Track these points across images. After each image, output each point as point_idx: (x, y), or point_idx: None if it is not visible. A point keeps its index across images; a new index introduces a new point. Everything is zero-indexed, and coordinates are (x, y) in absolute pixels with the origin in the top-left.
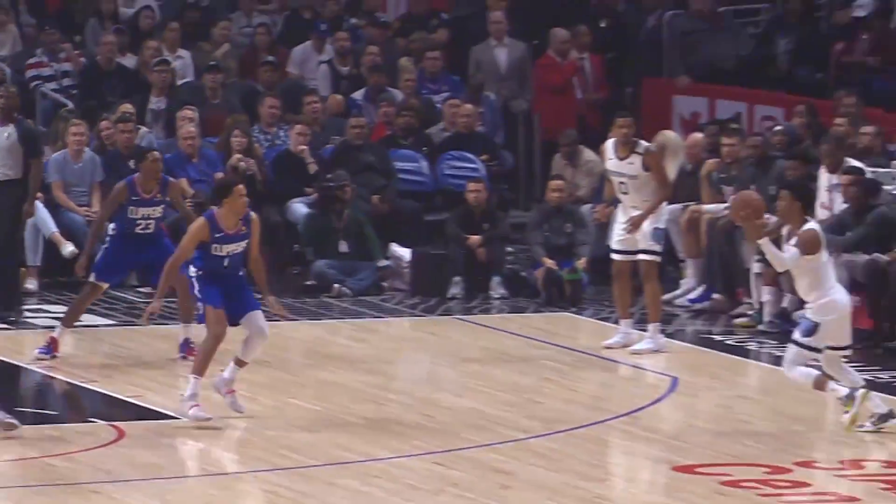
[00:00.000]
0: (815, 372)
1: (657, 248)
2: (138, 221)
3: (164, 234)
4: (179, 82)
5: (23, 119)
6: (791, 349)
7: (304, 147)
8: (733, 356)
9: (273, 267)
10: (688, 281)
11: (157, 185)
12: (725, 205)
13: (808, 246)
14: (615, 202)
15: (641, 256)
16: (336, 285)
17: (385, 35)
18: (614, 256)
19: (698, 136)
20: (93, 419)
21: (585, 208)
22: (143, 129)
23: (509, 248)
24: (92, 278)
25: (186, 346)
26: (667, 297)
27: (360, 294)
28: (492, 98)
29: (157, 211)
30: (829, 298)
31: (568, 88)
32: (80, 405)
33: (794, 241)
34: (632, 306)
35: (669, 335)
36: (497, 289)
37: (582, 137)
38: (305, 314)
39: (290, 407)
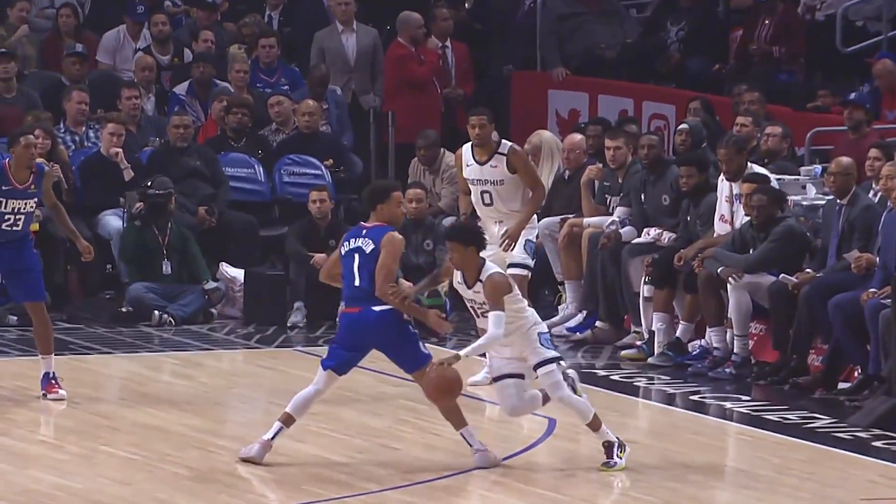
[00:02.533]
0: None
1: (528, 261)
2: (7, 216)
3: (30, 238)
4: None
5: None
6: (556, 372)
7: (118, 150)
8: (619, 394)
9: (82, 291)
10: (566, 306)
11: (32, 175)
12: (610, 219)
13: (499, 294)
14: (474, 217)
15: (511, 271)
16: (156, 312)
17: (212, 18)
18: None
19: (578, 136)
20: None
21: (448, 221)
22: None
23: None
24: None
25: (47, 381)
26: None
27: (185, 322)
28: (338, 93)
29: (30, 205)
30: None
31: (430, 83)
32: None
33: (477, 290)
34: None
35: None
36: None
37: (444, 139)
38: (120, 346)
39: (101, 455)
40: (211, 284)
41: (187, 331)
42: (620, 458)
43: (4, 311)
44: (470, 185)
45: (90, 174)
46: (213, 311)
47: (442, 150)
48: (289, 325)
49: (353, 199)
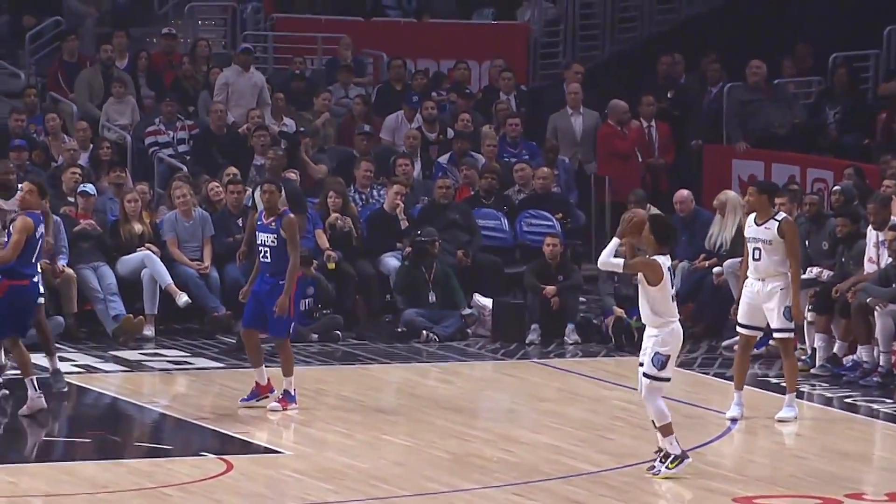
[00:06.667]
0: (669, 415)
1: (789, 325)
2: (261, 248)
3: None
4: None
5: (289, 179)
6: (645, 382)
7: (401, 205)
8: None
9: (367, 315)
10: None
11: (276, 217)
12: None
13: (649, 272)
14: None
15: (777, 335)
16: (424, 332)
17: (469, 104)
18: (742, 331)
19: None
20: (204, 453)
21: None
22: (249, 190)
23: (582, 298)
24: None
25: (285, 396)
26: (726, 342)
27: (447, 340)
28: (566, 161)
29: (270, 239)
30: (672, 328)
31: (632, 154)
32: (192, 440)
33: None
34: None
35: (728, 378)
36: (571, 335)
37: (649, 198)
38: (397, 358)
39: (383, 442)
40: (467, 310)
41: (448, 346)
42: (669, 469)
43: (307, 331)
44: (747, 243)
45: (374, 225)
46: (469, 331)
47: (648, 205)
48: (527, 342)
49: (578, 244)
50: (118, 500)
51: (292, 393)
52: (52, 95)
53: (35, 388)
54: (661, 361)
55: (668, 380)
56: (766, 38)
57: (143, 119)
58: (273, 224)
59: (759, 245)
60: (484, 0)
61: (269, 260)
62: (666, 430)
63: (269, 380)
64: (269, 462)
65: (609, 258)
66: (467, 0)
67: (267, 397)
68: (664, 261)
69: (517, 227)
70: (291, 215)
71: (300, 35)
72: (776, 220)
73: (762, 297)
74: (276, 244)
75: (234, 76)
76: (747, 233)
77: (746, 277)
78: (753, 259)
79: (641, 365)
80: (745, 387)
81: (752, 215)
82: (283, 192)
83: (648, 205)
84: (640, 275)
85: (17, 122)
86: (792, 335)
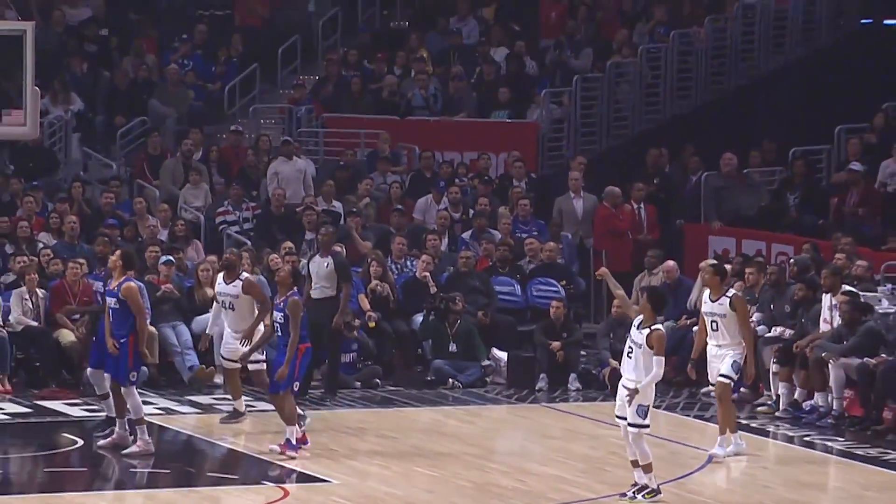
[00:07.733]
0: (651, 455)
1: (732, 374)
2: (276, 324)
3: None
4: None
5: (337, 252)
6: (632, 432)
7: (427, 274)
8: (756, 436)
9: (402, 366)
10: None
11: (286, 298)
12: (751, 319)
13: (658, 344)
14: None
15: (720, 379)
16: (450, 380)
17: (488, 190)
18: (712, 387)
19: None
20: (264, 482)
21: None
22: (303, 260)
23: (583, 352)
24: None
25: (287, 444)
26: (705, 389)
27: (469, 386)
28: (569, 237)
29: (279, 317)
30: (652, 387)
31: (625, 234)
32: (254, 471)
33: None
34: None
35: (706, 420)
36: (573, 383)
37: (637, 271)
38: (426, 402)
39: (415, 473)
40: (486, 362)
41: (470, 392)
42: (645, 498)
43: (352, 380)
44: (704, 317)
45: (408, 290)
46: (487, 379)
47: (644, 272)
48: (537, 389)
49: (579, 306)
50: None
51: (293, 442)
52: (139, 182)
53: (125, 428)
54: (644, 412)
55: (648, 426)
56: (737, 135)
57: (214, 202)
58: (281, 304)
59: (717, 318)
60: (500, 103)
61: (279, 334)
62: (648, 468)
63: (304, 433)
64: (319, 489)
65: (653, 381)
66: (486, 103)
67: (301, 448)
68: (663, 329)
69: (528, 292)
70: (296, 298)
71: (346, 131)
72: (727, 296)
73: (718, 358)
74: (283, 322)
75: (280, 164)
76: (704, 308)
77: (705, 344)
78: (712, 330)
79: (619, 417)
80: (713, 426)
81: (707, 292)
82: (293, 275)
83: (644, 272)
84: (645, 344)
85: (108, 201)
86: (732, 383)
